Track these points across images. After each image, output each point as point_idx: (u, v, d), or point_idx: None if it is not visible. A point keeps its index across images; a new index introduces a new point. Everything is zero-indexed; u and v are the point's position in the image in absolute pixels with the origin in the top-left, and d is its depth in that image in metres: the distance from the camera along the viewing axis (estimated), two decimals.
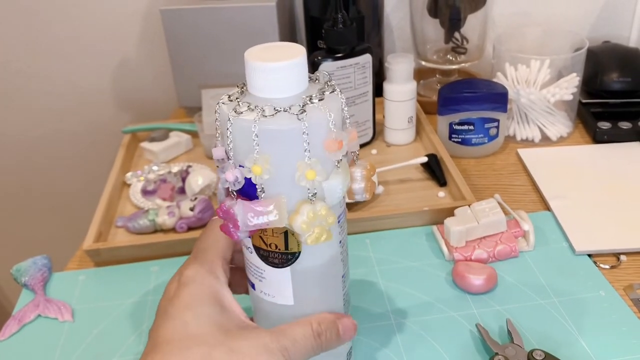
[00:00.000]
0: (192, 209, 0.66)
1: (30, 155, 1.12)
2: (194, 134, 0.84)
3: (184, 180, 0.73)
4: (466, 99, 0.75)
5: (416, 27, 0.89)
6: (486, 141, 0.77)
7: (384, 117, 0.81)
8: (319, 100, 0.36)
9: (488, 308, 0.54)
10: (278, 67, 0.35)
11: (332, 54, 0.73)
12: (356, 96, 0.76)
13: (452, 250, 0.60)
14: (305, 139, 0.35)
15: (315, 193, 0.36)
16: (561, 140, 0.80)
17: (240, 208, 0.36)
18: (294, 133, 0.35)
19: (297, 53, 0.36)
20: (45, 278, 0.62)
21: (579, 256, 0.60)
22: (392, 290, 0.57)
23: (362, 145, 0.80)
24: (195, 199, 0.67)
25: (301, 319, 0.39)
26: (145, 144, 0.82)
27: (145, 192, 0.73)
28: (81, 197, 1.13)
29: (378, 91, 0.79)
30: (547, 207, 0.67)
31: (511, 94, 0.78)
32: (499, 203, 0.62)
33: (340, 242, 0.41)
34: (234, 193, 0.37)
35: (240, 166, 0.36)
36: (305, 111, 0.35)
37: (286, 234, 0.38)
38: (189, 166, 0.77)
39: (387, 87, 0.78)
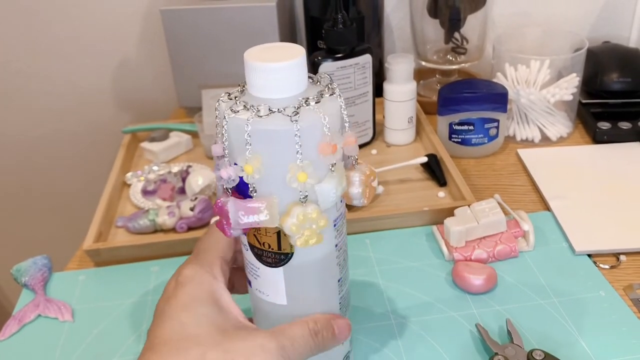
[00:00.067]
0: (192, 209, 0.66)
1: (30, 155, 1.12)
2: (194, 134, 0.84)
3: (184, 180, 0.73)
4: (466, 99, 0.75)
5: (416, 28, 0.89)
6: (486, 141, 0.77)
7: (384, 117, 0.81)
8: (316, 102, 0.36)
9: (488, 308, 0.54)
10: (276, 68, 0.35)
11: (332, 54, 0.73)
12: (356, 96, 0.76)
13: (452, 250, 0.60)
14: (297, 141, 0.35)
15: (307, 195, 0.36)
16: (561, 141, 0.80)
17: (232, 205, 0.37)
18: (287, 134, 0.35)
19: (296, 54, 0.36)
20: (45, 278, 0.62)
21: (578, 256, 0.60)
22: (392, 290, 0.57)
23: (362, 146, 0.80)
24: (196, 199, 0.67)
25: (298, 320, 0.39)
26: (145, 144, 0.82)
27: (146, 192, 0.73)
28: (81, 197, 1.13)
29: (378, 91, 0.79)
30: (547, 207, 0.67)
31: (511, 94, 0.78)
32: (498, 203, 0.62)
33: (336, 245, 0.41)
34: (229, 190, 0.38)
35: (235, 164, 0.37)
36: (298, 113, 0.35)
37: (279, 234, 0.38)
38: (189, 166, 0.77)
39: (387, 87, 0.78)
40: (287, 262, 0.39)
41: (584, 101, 0.83)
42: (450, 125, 0.77)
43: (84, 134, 1.10)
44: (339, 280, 0.42)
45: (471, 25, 0.87)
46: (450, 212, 0.63)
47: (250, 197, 0.37)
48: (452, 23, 0.86)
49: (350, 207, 0.68)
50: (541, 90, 0.77)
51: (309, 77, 0.39)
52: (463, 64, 0.89)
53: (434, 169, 0.72)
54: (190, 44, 0.86)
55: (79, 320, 0.57)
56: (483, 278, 0.56)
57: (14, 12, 0.99)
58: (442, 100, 0.76)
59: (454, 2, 0.84)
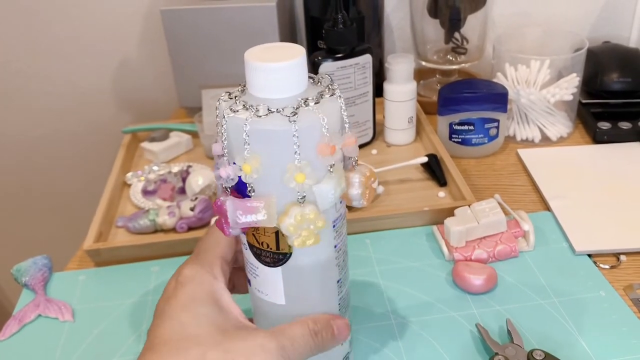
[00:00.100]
0: (192, 209, 0.66)
1: (30, 155, 1.12)
2: (194, 134, 0.84)
3: (184, 180, 0.73)
4: (466, 99, 0.75)
5: (416, 28, 0.89)
6: (486, 141, 0.77)
7: (384, 117, 0.81)
8: (315, 103, 0.36)
9: (488, 308, 0.54)
10: (275, 68, 0.35)
11: (332, 54, 0.73)
12: (356, 96, 0.76)
13: (452, 250, 0.60)
14: (295, 142, 0.35)
15: (305, 196, 0.36)
16: (561, 141, 0.80)
17: (230, 204, 0.37)
18: (285, 135, 0.35)
19: (296, 54, 0.36)
20: (45, 278, 0.62)
21: (579, 256, 0.60)
22: (392, 290, 0.57)
23: (362, 146, 0.80)
24: (196, 199, 0.67)
25: (298, 320, 0.39)
26: (145, 144, 0.82)
27: (146, 192, 0.73)
28: (81, 197, 1.13)
29: (378, 91, 0.79)
30: (547, 207, 0.67)
31: (511, 94, 0.78)
32: (499, 203, 0.62)
33: (335, 246, 0.41)
34: (228, 189, 0.38)
35: (234, 163, 0.37)
36: (297, 113, 0.35)
37: (277, 234, 0.38)
38: (189, 166, 0.77)
39: (387, 87, 0.78)
40: (285, 262, 0.39)
41: (584, 101, 0.83)
42: (451, 125, 0.77)
43: (84, 134, 1.10)
44: (338, 281, 0.42)
45: (471, 25, 0.87)
46: (450, 212, 0.63)
47: (249, 196, 0.37)
48: (452, 23, 0.86)
49: (350, 207, 0.67)
50: (541, 90, 0.77)
51: (310, 78, 0.39)
52: (463, 64, 0.89)
53: (434, 169, 0.72)
54: (191, 44, 0.86)
55: (80, 320, 0.57)
56: (483, 278, 0.56)
57: (14, 12, 0.99)
58: (442, 100, 0.76)
59: (454, 2, 0.84)
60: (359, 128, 0.79)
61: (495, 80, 0.80)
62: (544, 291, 0.56)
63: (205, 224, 0.67)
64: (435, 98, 0.83)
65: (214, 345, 0.36)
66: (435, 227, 0.64)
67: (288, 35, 0.92)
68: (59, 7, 0.99)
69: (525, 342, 0.50)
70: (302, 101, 0.36)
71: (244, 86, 0.38)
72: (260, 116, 0.35)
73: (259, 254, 0.40)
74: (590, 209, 0.66)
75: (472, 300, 0.55)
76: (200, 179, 0.71)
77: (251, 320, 0.45)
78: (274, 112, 0.35)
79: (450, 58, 0.90)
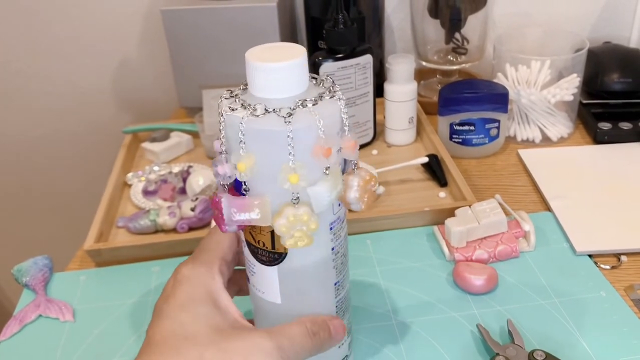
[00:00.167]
0: (193, 209, 0.66)
1: (31, 155, 1.12)
2: (194, 134, 0.84)
3: (184, 180, 0.73)
4: (467, 100, 0.75)
5: (417, 28, 0.89)
6: (487, 142, 0.77)
7: (384, 117, 0.81)
8: (313, 104, 0.36)
9: (489, 308, 0.54)
10: (274, 68, 0.35)
11: (332, 54, 0.73)
12: (357, 97, 0.76)
13: (453, 251, 0.60)
14: (289, 142, 0.35)
15: (299, 197, 0.36)
16: (562, 141, 0.80)
17: (225, 202, 0.37)
18: (281, 135, 0.35)
19: (296, 54, 0.36)
20: (46, 278, 0.62)
21: (579, 256, 0.60)
22: (392, 290, 0.57)
23: (362, 146, 0.80)
24: (196, 199, 0.67)
25: (292, 319, 0.39)
26: (146, 144, 0.82)
27: (146, 193, 0.73)
28: (82, 198, 1.13)
29: (379, 92, 0.79)
30: (548, 208, 0.67)
31: (512, 95, 0.78)
32: (499, 203, 0.62)
33: (333, 249, 0.40)
34: (225, 186, 0.38)
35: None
36: (292, 114, 0.35)
37: (273, 233, 0.38)
38: (190, 166, 0.77)
39: (388, 87, 0.78)
40: (281, 262, 0.39)
41: (584, 101, 0.83)
42: (451, 125, 0.77)
43: (85, 134, 1.10)
44: (335, 284, 0.42)
45: (472, 25, 0.87)
46: (451, 213, 0.63)
47: (244, 194, 0.37)
48: (453, 23, 0.86)
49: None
50: (542, 90, 0.77)
51: (313, 78, 0.39)
52: (464, 64, 0.89)
53: (434, 169, 0.72)
54: (191, 44, 0.86)
55: (80, 321, 0.57)
56: (484, 278, 0.56)
57: (14, 12, 0.99)
58: (442, 101, 0.76)
59: (454, 2, 0.84)
60: (359, 128, 0.79)
61: (495, 80, 0.80)
62: (544, 291, 0.56)
63: (206, 224, 0.67)
64: (435, 98, 0.83)
65: (211, 344, 0.36)
66: (435, 228, 0.64)
67: (289, 35, 0.92)
68: (59, 7, 0.99)
69: (526, 342, 0.50)
70: (300, 102, 0.35)
71: (246, 85, 0.38)
72: (257, 115, 0.35)
73: (255, 252, 0.40)
74: (591, 209, 0.66)
75: (472, 300, 0.55)
76: (200, 179, 0.71)
77: (251, 321, 0.45)
78: (270, 112, 0.35)
79: (451, 58, 0.90)
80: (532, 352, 0.48)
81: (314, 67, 0.73)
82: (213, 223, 0.64)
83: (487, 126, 0.76)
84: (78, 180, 1.14)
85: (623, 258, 0.60)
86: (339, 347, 0.44)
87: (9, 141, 1.11)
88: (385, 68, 0.78)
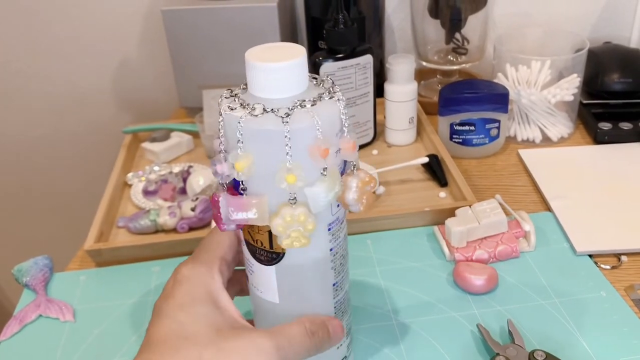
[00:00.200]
0: (193, 209, 0.66)
1: (31, 155, 1.12)
2: (195, 135, 0.84)
3: (185, 180, 0.73)
4: (467, 100, 0.75)
5: (417, 28, 0.89)
6: (487, 142, 0.77)
7: (384, 117, 0.81)
8: (312, 105, 0.36)
9: (489, 308, 0.54)
10: (273, 68, 0.35)
11: (333, 54, 0.73)
12: (357, 97, 0.76)
13: (453, 251, 0.60)
14: (287, 143, 0.35)
15: (296, 197, 0.36)
16: (562, 141, 0.80)
17: (223, 200, 0.37)
18: (278, 135, 0.35)
19: (296, 54, 0.36)
20: (46, 278, 0.62)
21: (579, 257, 0.60)
22: (393, 290, 0.57)
23: (363, 146, 0.80)
24: (197, 199, 0.67)
25: (290, 319, 0.39)
26: (146, 144, 0.82)
27: (147, 193, 0.73)
28: (82, 198, 1.13)
29: (379, 92, 0.79)
30: (548, 208, 0.67)
31: (512, 95, 0.78)
32: (499, 203, 0.62)
33: (331, 250, 0.40)
34: (224, 185, 0.38)
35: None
36: (290, 114, 0.35)
37: (271, 232, 0.38)
38: (190, 166, 0.77)
39: (388, 87, 0.78)
40: (278, 262, 0.39)
41: (584, 102, 0.83)
42: (451, 125, 0.77)
43: (85, 134, 1.10)
44: (334, 285, 0.42)
45: (472, 25, 0.87)
46: (451, 213, 0.63)
47: (242, 194, 0.37)
48: (453, 23, 0.86)
49: None
50: (542, 90, 0.77)
51: (313, 79, 0.39)
52: (464, 65, 0.89)
53: (435, 170, 0.72)
54: (191, 44, 0.86)
55: (80, 321, 0.57)
56: (484, 278, 0.56)
57: (14, 12, 0.99)
58: (443, 101, 0.76)
59: (454, 2, 0.84)
60: (359, 128, 0.79)
61: (496, 80, 0.80)
62: (545, 291, 0.56)
63: (206, 224, 0.67)
64: (436, 98, 0.83)
65: (211, 344, 0.36)
66: (436, 228, 0.64)
67: (289, 35, 0.92)
68: (59, 7, 0.99)
69: (526, 342, 0.50)
70: (298, 102, 0.35)
71: (247, 85, 0.38)
72: (255, 115, 0.35)
73: (253, 251, 0.40)
74: (591, 209, 0.66)
75: (473, 300, 0.55)
76: (201, 179, 0.71)
77: (251, 322, 0.45)
78: (268, 112, 0.35)
79: (451, 58, 0.90)
80: (533, 352, 0.48)
81: (314, 67, 0.73)
82: (214, 223, 0.64)
83: (487, 126, 0.76)
84: (78, 180, 1.14)
85: (623, 258, 0.60)
86: (338, 348, 0.44)
87: (9, 141, 1.11)
88: (386, 68, 0.78)
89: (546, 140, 0.80)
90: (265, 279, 0.41)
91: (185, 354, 0.35)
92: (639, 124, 0.78)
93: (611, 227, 0.63)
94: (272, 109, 0.35)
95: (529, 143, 0.80)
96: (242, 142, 0.35)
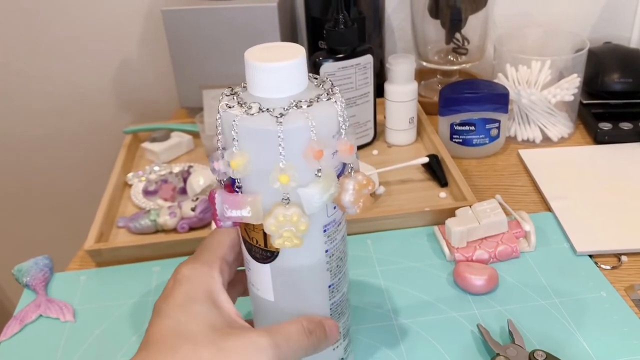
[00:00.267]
0: (193, 209, 0.66)
1: (31, 155, 1.12)
2: (195, 135, 0.84)
3: (185, 180, 0.73)
4: (467, 100, 0.75)
5: (417, 28, 0.89)
6: (487, 142, 0.77)
7: (385, 117, 0.81)
8: (308, 105, 0.35)
9: (489, 308, 0.54)
10: (272, 68, 0.35)
11: (333, 54, 0.73)
12: (357, 97, 0.76)
13: (453, 251, 0.60)
14: (280, 143, 0.35)
15: (289, 198, 0.36)
16: (562, 141, 0.80)
17: (219, 197, 0.37)
18: (272, 135, 0.35)
19: (295, 54, 0.36)
20: (46, 278, 0.62)
21: (580, 257, 0.60)
22: (393, 290, 0.57)
23: (363, 146, 0.80)
24: (197, 199, 0.67)
25: (285, 317, 0.40)
26: (146, 144, 0.82)
27: (147, 193, 0.73)
28: (82, 198, 1.13)
29: (379, 92, 0.79)
30: (548, 208, 0.67)
31: (512, 95, 0.78)
32: (500, 204, 0.62)
33: (327, 251, 0.40)
34: (222, 182, 0.38)
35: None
36: (284, 115, 0.35)
37: None
38: (190, 166, 0.77)
39: (388, 87, 0.78)
40: (273, 260, 0.40)
41: (585, 102, 0.83)
42: (452, 125, 0.77)
43: (85, 134, 1.10)
44: (329, 287, 0.42)
45: (472, 25, 0.87)
46: (451, 213, 0.63)
47: (237, 192, 0.37)
48: (453, 23, 0.86)
49: None
50: (542, 90, 0.77)
51: (314, 79, 0.39)
52: (464, 65, 0.89)
53: (435, 170, 0.72)
54: (192, 44, 0.86)
55: (81, 321, 0.57)
56: (484, 278, 0.56)
57: (14, 12, 0.99)
58: (443, 101, 0.76)
59: (455, 2, 0.84)
60: (359, 128, 0.79)
61: (496, 80, 0.80)
62: (545, 292, 0.56)
63: (206, 224, 0.67)
64: (436, 98, 0.83)
65: (209, 343, 0.36)
66: (436, 228, 0.64)
67: (289, 35, 0.92)
68: (59, 7, 0.99)
69: (526, 342, 0.50)
70: (294, 103, 0.35)
71: (245, 85, 0.38)
72: (251, 114, 0.35)
73: (250, 249, 0.40)
74: (592, 209, 0.66)
75: (473, 300, 0.55)
76: (201, 179, 0.71)
77: (251, 322, 0.45)
78: (264, 111, 0.35)
79: (451, 58, 0.90)
80: (533, 352, 0.48)
81: (315, 67, 0.73)
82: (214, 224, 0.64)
83: (487, 126, 0.76)
84: (78, 180, 1.14)
85: (623, 258, 0.60)
86: (334, 349, 0.44)
87: (9, 141, 1.11)
88: (386, 68, 0.78)
89: (546, 140, 0.80)
90: (261, 277, 0.41)
91: (184, 354, 0.35)
92: (639, 124, 0.78)
93: (611, 227, 0.63)
94: (268, 109, 0.35)
95: (529, 143, 0.80)
96: (237, 141, 0.35)
